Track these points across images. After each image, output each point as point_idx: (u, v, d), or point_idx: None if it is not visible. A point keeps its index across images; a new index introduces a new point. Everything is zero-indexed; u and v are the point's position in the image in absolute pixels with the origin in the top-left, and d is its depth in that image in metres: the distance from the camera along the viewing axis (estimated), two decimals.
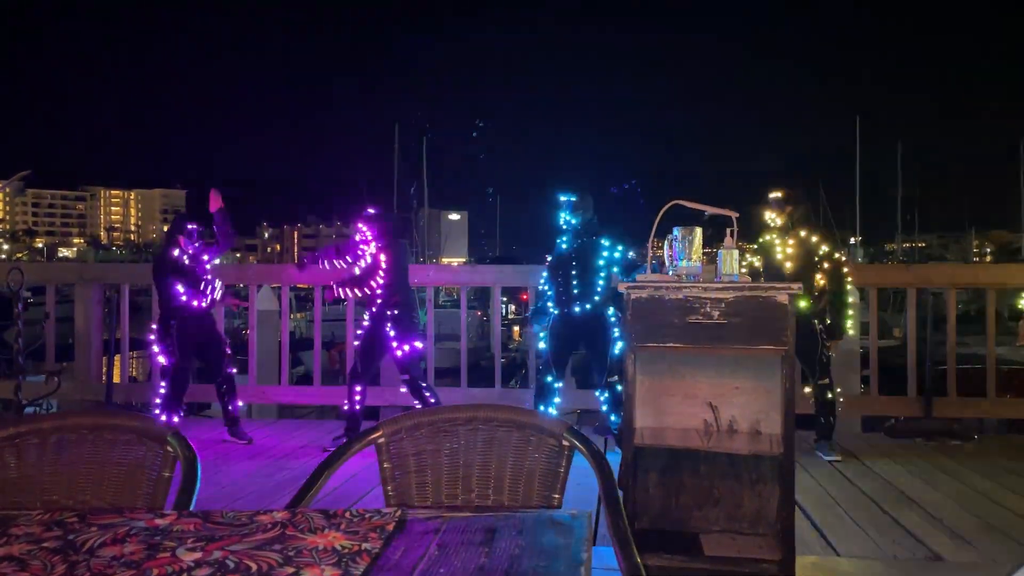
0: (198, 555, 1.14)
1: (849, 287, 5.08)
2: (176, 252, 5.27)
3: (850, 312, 5.10)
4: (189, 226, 5.37)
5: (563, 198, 5.10)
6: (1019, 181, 48.19)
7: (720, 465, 3.15)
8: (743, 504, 3.17)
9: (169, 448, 1.81)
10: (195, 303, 5.26)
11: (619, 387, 4.96)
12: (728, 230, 3.20)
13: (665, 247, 3.22)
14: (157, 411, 5.27)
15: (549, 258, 5.23)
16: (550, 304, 5.15)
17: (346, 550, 1.14)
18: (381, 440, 1.89)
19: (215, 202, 5.46)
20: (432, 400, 5.19)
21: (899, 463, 4.81)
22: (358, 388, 5.31)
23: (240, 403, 5.62)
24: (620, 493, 1.64)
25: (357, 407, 5.31)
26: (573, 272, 5.02)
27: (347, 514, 1.30)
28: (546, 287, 5.22)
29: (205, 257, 5.43)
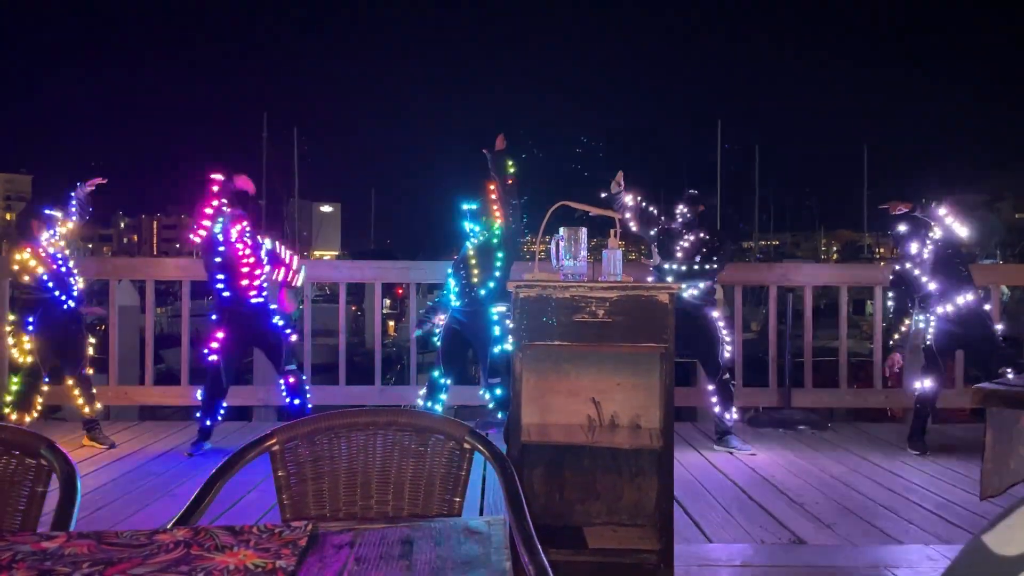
0: None
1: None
2: (36, 239, 4.95)
3: None
4: (46, 211, 5.03)
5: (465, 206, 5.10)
6: (862, 183, 51.88)
7: (602, 459, 3.24)
8: (623, 497, 3.27)
9: (43, 461, 1.69)
10: (60, 295, 4.96)
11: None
12: (611, 231, 3.29)
13: (551, 247, 3.27)
14: (7, 411, 4.92)
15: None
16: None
17: (259, 568, 1.09)
18: (276, 448, 1.83)
19: (90, 185, 5.21)
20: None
21: (762, 452, 5.09)
22: None
23: (99, 405, 5.30)
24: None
25: None
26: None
27: (255, 529, 1.25)
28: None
29: (63, 244, 5.12)
